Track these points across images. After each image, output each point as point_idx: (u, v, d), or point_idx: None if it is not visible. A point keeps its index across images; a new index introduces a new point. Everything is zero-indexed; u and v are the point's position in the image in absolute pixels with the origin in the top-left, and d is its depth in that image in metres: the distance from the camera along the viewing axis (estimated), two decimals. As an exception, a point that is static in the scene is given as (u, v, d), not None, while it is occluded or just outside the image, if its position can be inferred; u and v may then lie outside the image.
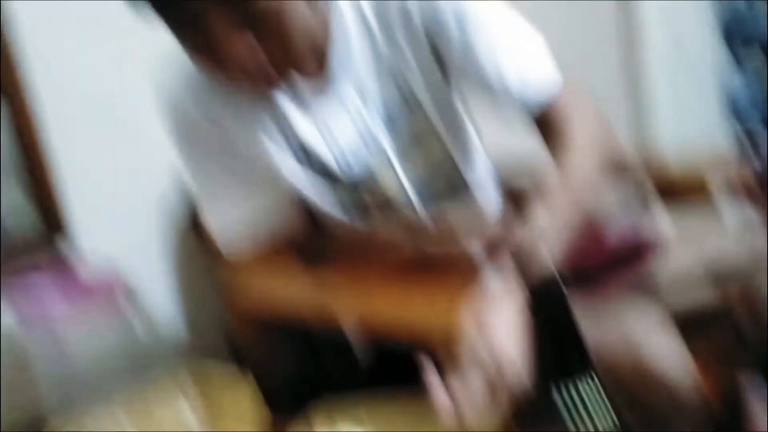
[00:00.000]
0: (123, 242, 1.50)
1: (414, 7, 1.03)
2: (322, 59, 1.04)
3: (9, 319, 1.31)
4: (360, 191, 1.12)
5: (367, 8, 1.05)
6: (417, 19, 1.03)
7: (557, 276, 0.71)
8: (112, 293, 1.33)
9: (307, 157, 1.09)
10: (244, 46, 0.90)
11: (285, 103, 1.06)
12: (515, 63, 1.04)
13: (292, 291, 1.18)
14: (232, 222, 1.13)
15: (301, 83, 1.04)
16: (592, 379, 0.75)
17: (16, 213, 1.45)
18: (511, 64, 1.04)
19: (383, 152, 1.10)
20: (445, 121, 1.12)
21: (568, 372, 0.72)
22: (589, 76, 2.20)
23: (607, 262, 1.16)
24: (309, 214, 1.18)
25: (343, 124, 1.08)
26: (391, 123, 1.09)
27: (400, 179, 1.12)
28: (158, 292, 1.59)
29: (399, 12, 1.03)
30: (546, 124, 1.05)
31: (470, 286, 0.99)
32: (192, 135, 1.08)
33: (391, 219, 1.15)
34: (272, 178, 1.11)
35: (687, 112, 2.58)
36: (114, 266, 1.37)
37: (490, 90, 1.05)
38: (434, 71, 1.08)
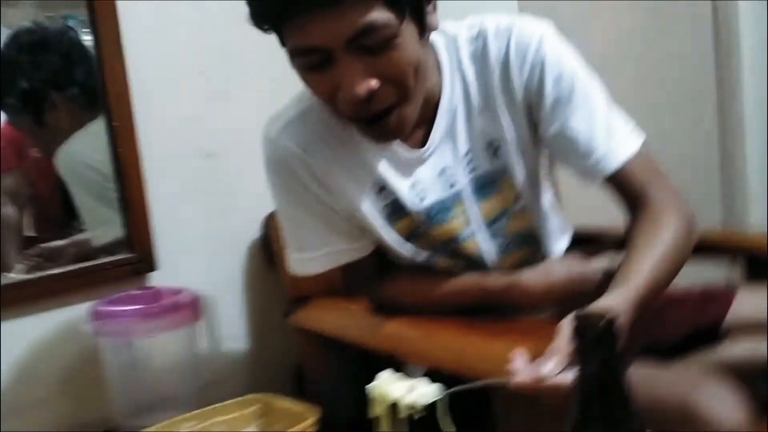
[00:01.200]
0: (204, 275, 1.57)
1: (516, 71, 1.09)
2: (427, 133, 1.12)
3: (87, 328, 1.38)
4: (429, 224, 1.15)
5: (471, 78, 1.11)
6: (517, 81, 1.09)
7: (613, 330, 0.70)
8: (190, 315, 1.40)
9: (382, 190, 1.14)
10: (360, 70, 0.95)
11: (380, 157, 1.12)
12: (604, 124, 1.09)
13: (354, 323, 1.22)
14: (309, 258, 1.20)
15: (403, 150, 1.11)
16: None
17: (112, 242, 1.54)
18: (600, 124, 1.09)
19: (458, 188, 1.14)
20: (525, 171, 1.16)
21: (615, 428, 0.70)
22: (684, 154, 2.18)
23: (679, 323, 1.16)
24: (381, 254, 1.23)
25: (429, 173, 1.13)
26: (470, 164, 1.14)
27: (468, 215, 1.16)
28: (232, 323, 1.65)
29: (501, 77, 1.10)
30: (622, 185, 1.09)
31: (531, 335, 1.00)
32: (287, 170, 1.15)
33: (455, 254, 1.18)
34: (354, 224, 1.17)
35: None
36: (194, 293, 1.43)
37: (576, 147, 1.09)
38: (524, 128, 1.13)
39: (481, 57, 1.10)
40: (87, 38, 1.50)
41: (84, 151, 1.55)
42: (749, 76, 2.52)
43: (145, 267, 1.54)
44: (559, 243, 1.28)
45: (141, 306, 1.36)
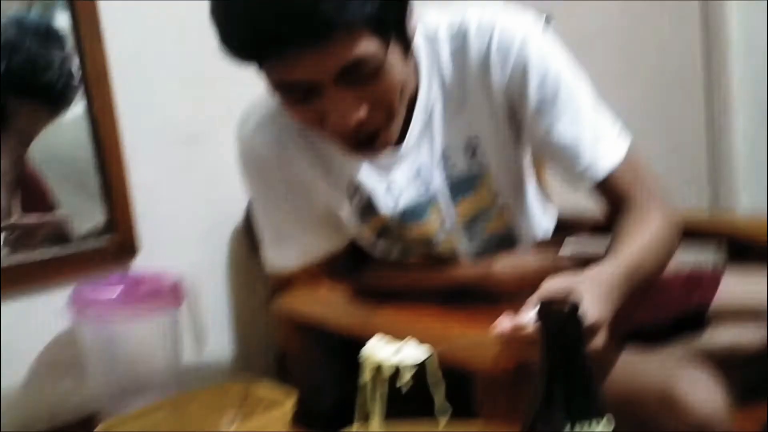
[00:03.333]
0: (187, 262, 1.55)
1: (496, 71, 1.05)
2: (404, 131, 1.08)
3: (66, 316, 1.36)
4: (404, 225, 1.13)
5: (450, 77, 1.07)
6: (498, 81, 1.05)
7: (578, 318, 0.69)
8: (170, 300, 1.38)
9: (357, 191, 1.12)
10: (350, 101, 0.93)
11: (357, 158, 1.10)
12: (590, 129, 1.06)
13: (336, 310, 1.21)
14: (285, 254, 1.19)
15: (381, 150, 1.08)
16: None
17: (93, 229, 1.52)
18: (586, 130, 1.06)
19: (434, 189, 1.12)
20: (505, 171, 1.13)
21: (580, 415, 0.68)
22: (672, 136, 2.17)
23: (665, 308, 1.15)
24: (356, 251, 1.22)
25: (404, 172, 1.12)
26: (447, 162, 1.12)
27: (444, 217, 1.14)
28: (215, 307, 1.63)
29: (480, 76, 1.06)
30: (608, 191, 1.08)
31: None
32: (262, 170, 1.14)
33: (428, 255, 1.17)
34: (329, 219, 1.16)
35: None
36: (175, 278, 1.41)
37: (562, 155, 1.07)
38: (504, 128, 1.10)
39: (460, 55, 1.06)
40: (64, 24, 1.46)
41: (58, 144, 1.52)
42: (736, 58, 2.50)
43: (127, 252, 1.52)
44: (537, 238, 1.27)
45: (120, 291, 1.34)
